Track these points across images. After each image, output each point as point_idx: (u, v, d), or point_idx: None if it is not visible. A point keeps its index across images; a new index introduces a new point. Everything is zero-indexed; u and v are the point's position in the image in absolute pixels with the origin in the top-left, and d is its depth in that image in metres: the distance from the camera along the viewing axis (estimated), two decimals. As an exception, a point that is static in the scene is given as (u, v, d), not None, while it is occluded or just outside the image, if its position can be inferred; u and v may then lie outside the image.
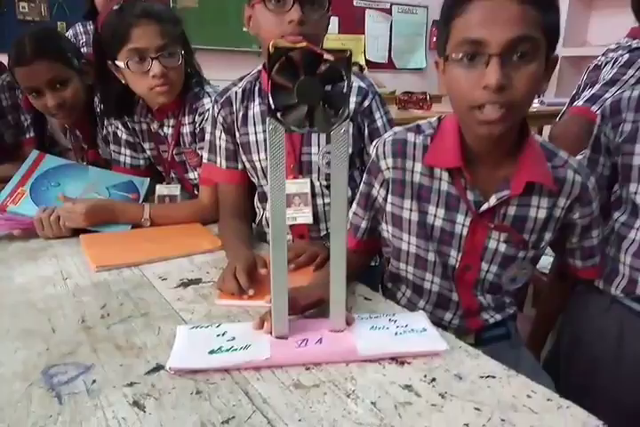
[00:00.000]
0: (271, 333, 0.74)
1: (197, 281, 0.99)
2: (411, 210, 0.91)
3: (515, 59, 0.72)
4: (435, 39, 4.45)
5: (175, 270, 1.05)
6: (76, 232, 1.23)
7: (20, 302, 0.91)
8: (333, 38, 4.62)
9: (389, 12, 5.14)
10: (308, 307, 0.81)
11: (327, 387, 0.66)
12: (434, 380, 0.67)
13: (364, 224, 1.00)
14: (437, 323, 0.83)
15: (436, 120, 0.91)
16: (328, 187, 1.13)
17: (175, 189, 1.46)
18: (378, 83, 1.65)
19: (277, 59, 0.61)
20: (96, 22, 1.29)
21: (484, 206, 0.86)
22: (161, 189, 1.46)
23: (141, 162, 1.49)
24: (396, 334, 0.75)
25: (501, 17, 0.71)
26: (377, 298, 0.92)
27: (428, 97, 2.99)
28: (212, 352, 0.70)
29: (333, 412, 0.61)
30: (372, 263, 1.20)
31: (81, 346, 0.76)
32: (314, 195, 1.14)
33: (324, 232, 1.16)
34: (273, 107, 0.63)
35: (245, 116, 1.15)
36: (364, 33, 4.99)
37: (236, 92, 1.16)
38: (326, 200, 1.14)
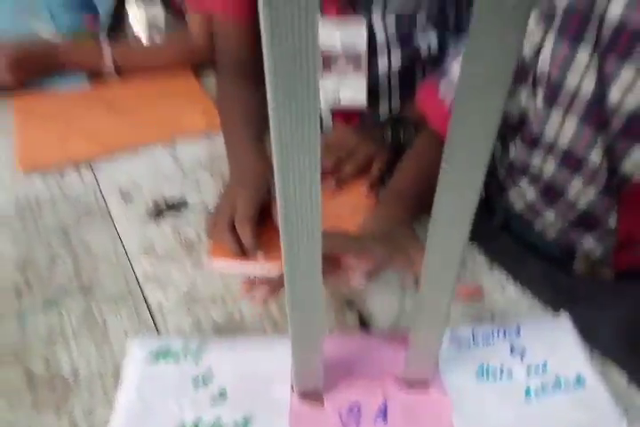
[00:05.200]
0: (292, 387, 0.40)
1: (180, 206, 0.61)
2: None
3: None
4: None
5: (146, 177, 0.66)
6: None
7: None
8: None
9: None
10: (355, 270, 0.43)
11: None
12: None
13: None
14: (568, 247, 0.58)
15: None
16: (402, 36, 0.64)
17: (156, 10, 0.96)
18: None
19: None
20: None
21: None
22: (135, 10, 0.96)
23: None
24: (527, 392, 0.40)
25: None
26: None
27: None
28: (181, 435, 0.37)
29: None
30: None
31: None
32: (373, 51, 0.65)
33: (386, 116, 0.71)
34: None
35: None
36: None
37: None
38: (394, 58, 0.66)
